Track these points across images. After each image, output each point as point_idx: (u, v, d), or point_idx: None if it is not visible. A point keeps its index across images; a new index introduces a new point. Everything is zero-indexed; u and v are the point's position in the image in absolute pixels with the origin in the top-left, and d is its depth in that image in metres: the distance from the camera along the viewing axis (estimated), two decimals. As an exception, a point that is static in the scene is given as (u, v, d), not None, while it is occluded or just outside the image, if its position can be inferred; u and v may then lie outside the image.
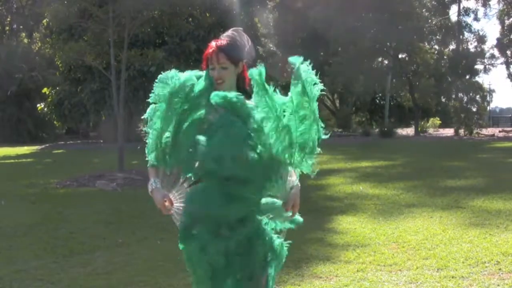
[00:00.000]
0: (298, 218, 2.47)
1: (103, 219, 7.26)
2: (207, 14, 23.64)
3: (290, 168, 2.35)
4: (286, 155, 2.28)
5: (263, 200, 2.32)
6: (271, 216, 2.38)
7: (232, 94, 2.26)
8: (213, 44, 2.43)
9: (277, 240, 2.40)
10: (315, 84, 2.28)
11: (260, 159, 2.23)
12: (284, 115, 2.25)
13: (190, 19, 23.29)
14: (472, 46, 38.64)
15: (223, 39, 2.43)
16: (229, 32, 2.46)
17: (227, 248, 2.26)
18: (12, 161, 17.91)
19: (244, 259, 2.28)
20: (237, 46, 2.41)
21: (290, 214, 2.39)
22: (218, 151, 2.23)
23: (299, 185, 2.41)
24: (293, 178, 2.39)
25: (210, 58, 2.40)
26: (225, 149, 2.22)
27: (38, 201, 8.85)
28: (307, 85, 2.27)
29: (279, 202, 2.37)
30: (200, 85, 2.37)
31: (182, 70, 2.44)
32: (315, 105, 2.31)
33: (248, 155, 2.22)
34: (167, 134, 2.35)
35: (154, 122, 2.38)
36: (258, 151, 2.23)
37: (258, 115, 2.24)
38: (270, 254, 2.36)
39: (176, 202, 2.45)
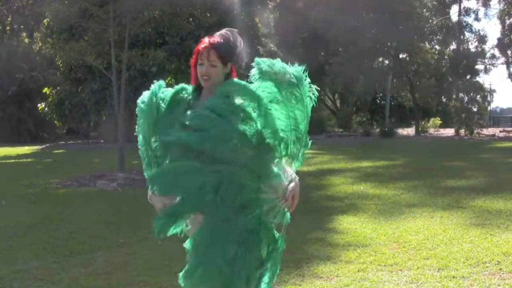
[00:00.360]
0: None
1: (103, 219, 7.26)
2: (208, 14, 23.64)
3: (285, 160, 2.35)
4: (280, 144, 2.31)
5: (263, 189, 2.28)
6: (269, 206, 2.31)
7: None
8: (206, 40, 2.41)
9: (277, 234, 2.38)
10: (307, 83, 2.36)
11: (252, 146, 2.25)
12: (270, 105, 2.31)
13: (191, 19, 23.29)
14: (472, 46, 38.62)
15: (216, 37, 2.42)
16: (223, 31, 2.44)
17: (235, 236, 2.24)
18: (13, 161, 17.92)
19: (248, 249, 2.25)
20: (229, 47, 2.39)
21: (289, 206, 2.32)
22: (211, 141, 2.24)
23: (298, 179, 2.36)
24: (291, 172, 2.37)
25: (201, 53, 2.38)
26: (218, 137, 2.23)
27: (38, 201, 8.85)
28: (301, 86, 2.33)
29: (279, 184, 2.32)
30: (188, 89, 2.45)
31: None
32: (308, 100, 2.36)
33: (241, 142, 2.23)
34: (155, 138, 2.42)
35: (141, 128, 2.45)
36: (250, 137, 2.25)
37: (245, 102, 2.28)
38: (271, 246, 2.33)
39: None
